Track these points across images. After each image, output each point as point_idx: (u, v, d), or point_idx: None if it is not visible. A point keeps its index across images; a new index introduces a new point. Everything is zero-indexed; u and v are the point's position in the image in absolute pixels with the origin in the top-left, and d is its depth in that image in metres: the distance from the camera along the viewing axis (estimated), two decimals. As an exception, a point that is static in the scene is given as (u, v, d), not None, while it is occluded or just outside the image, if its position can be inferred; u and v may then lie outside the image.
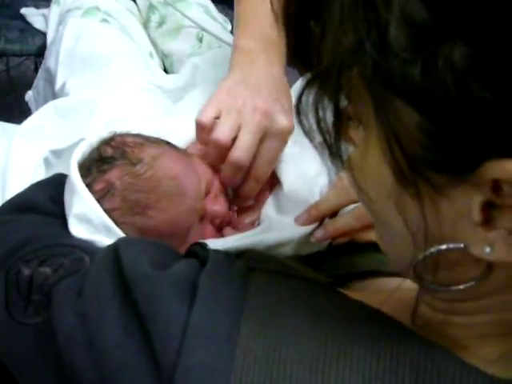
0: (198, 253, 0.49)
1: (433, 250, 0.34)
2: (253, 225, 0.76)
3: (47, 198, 0.66)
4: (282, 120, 0.68)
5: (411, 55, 0.28)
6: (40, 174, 0.84)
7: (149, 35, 1.32)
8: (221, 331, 0.39)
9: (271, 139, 0.69)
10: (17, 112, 1.87)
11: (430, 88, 0.28)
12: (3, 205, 0.67)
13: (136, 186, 0.66)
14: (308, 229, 0.67)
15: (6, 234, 0.59)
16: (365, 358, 0.36)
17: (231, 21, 1.49)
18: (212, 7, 1.38)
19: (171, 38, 1.26)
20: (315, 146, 0.37)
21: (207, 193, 0.72)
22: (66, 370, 0.44)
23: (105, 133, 0.74)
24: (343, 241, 0.67)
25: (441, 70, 0.27)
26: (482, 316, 0.38)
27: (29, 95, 1.24)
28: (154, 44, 1.30)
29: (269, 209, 0.74)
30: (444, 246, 0.34)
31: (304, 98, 0.35)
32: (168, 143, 0.75)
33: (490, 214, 0.31)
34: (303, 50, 0.35)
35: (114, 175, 0.67)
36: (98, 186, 0.66)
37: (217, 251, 0.49)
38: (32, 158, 0.87)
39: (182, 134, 0.82)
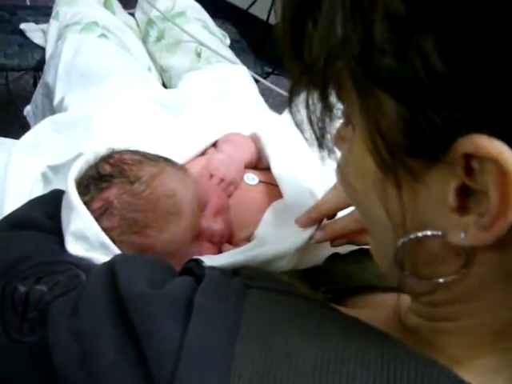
0: (194, 270, 0.48)
1: (412, 236, 0.36)
2: (248, 240, 0.75)
3: (44, 214, 0.66)
4: None
5: (389, 47, 0.30)
6: (38, 189, 0.84)
7: (147, 50, 1.33)
8: (216, 350, 0.39)
9: None
10: (16, 126, 1.88)
11: (404, 75, 0.30)
12: (0, 221, 0.67)
13: (134, 205, 0.66)
14: (304, 240, 0.67)
15: (2, 251, 0.59)
16: (361, 376, 0.36)
17: (230, 35, 1.50)
18: (211, 22, 1.39)
19: (170, 52, 1.27)
20: (305, 139, 0.41)
21: (204, 209, 0.72)
22: None
23: (101, 149, 0.73)
24: (342, 243, 0.67)
25: (412, 56, 0.29)
26: (471, 320, 0.38)
27: (27, 110, 1.24)
28: (152, 59, 1.31)
29: (265, 222, 0.74)
30: (422, 233, 0.35)
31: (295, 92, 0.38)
32: (166, 160, 0.75)
33: (464, 200, 0.32)
34: (297, 47, 0.36)
35: (113, 193, 0.66)
36: (97, 205, 0.66)
37: (212, 268, 0.49)
38: (30, 173, 0.87)
39: (182, 150, 0.82)
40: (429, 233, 0.35)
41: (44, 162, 0.86)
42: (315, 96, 0.36)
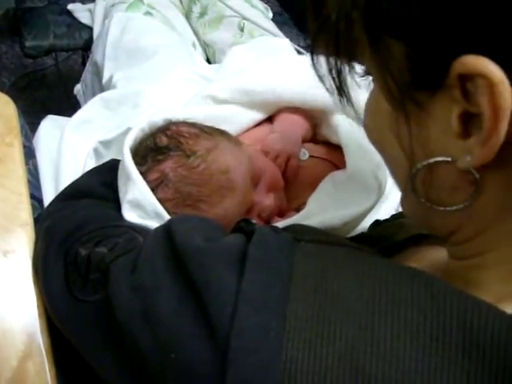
0: (244, 228, 0.50)
1: (424, 162, 0.40)
2: (297, 210, 0.76)
3: (101, 183, 0.68)
4: None
5: None
6: (91, 165, 0.87)
7: (191, 26, 1.34)
8: (271, 296, 0.40)
9: None
10: (66, 105, 1.93)
11: (403, 15, 0.35)
12: (59, 193, 0.70)
13: (189, 179, 0.67)
14: (353, 216, 0.68)
15: (63, 219, 0.62)
16: (412, 315, 0.37)
17: (272, 8, 1.50)
18: (253, -5, 1.39)
19: (213, 28, 1.27)
20: (326, 89, 0.46)
21: (257, 184, 0.73)
22: (126, 341, 0.46)
23: (156, 119, 0.74)
24: None
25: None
26: (495, 253, 0.41)
27: (77, 88, 1.28)
28: (196, 35, 1.32)
29: (317, 195, 0.75)
30: (433, 159, 0.39)
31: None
32: (222, 133, 0.75)
33: (467, 125, 0.36)
34: (317, 7, 0.42)
35: (168, 166, 0.68)
36: (153, 176, 0.68)
37: (262, 225, 0.50)
38: (83, 150, 0.90)
39: (235, 122, 0.82)
40: (439, 159, 0.39)
41: (95, 138, 0.89)
42: (333, 50, 0.42)
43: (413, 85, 0.37)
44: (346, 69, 0.43)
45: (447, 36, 0.34)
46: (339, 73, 0.44)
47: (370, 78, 0.44)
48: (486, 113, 0.34)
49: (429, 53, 0.35)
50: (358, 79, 0.46)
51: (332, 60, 0.43)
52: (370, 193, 0.71)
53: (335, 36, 0.40)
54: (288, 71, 0.84)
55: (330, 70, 0.44)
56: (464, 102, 0.35)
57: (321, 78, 0.45)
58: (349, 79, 0.44)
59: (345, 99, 0.46)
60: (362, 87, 0.46)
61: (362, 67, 0.45)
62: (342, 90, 0.45)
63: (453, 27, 0.33)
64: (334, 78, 0.44)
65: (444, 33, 0.34)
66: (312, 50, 0.44)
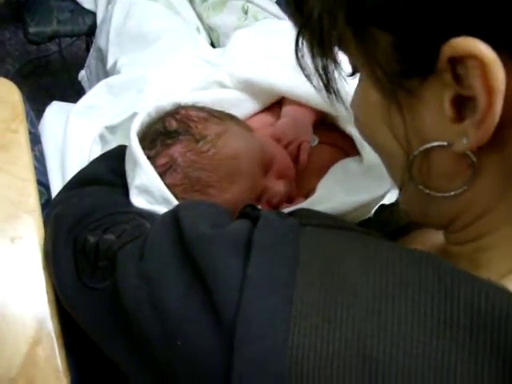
0: (250, 213, 0.50)
1: (421, 148, 0.40)
2: (306, 197, 0.76)
3: (108, 169, 0.68)
4: None
5: None
6: (97, 150, 0.87)
7: (195, 10, 1.33)
8: (277, 281, 0.40)
9: None
10: (70, 91, 1.93)
11: (389, 4, 0.35)
12: (67, 182, 0.70)
13: (198, 164, 0.67)
14: (360, 203, 0.68)
15: (71, 206, 0.62)
16: (419, 297, 0.37)
17: (276, -9, 1.48)
18: (256, -22, 1.37)
19: (216, 11, 1.26)
20: (314, 86, 0.46)
21: (268, 170, 0.73)
22: (134, 329, 0.46)
23: (162, 103, 0.74)
24: None
25: None
26: (497, 233, 0.41)
27: (82, 74, 1.27)
28: (200, 19, 1.31)
29: (326, 181, 0.74)
30: (429, 145, 0.39)
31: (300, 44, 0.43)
32: (232, 118, 0.75)
33: (461, 109, 0.36)
34: (299, 4, 0.41)
35: (178, 150, 0.67)
36: (162, 161, 0.67)
37: (268, 211, 0.50)
38: (88, 135, 0.90)
39: (244, 107, 0.81)
40: (435, 144, 0.39)
41: (101, 124, 0.88)
42: (317, 47, 0.42)
43: (402, 73, 0.37)
44: (333, 65, 0.43)
45: (435, 20, 0.34)
46: (326, 70, 0.43)
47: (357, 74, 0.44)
48: (479, 94, 0.34)
49: (417, 39, 0.35)
50: (346, 76, 0.46)
51: (318, 57, 0.43)
52: (383, 181, 0.70)
53: (319, 33, 0.40)
54: (287, 61, 0.84)
55: (317, 68, 0.44)
56: (456, 85, 0.35)
57: (308, 77, 0.46)
58: (336, 75, 0.44)
59: (333, 95, 0.46)
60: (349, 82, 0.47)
61: (349, 65, 0.45)
62: (329, 86, 0.45)
63: (441, 10, 0.33)
64: (320, 76, 0.44)
65: (432, 17, 0.34)
66: (296, 49, 0.44)
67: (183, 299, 0.43)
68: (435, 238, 0.54)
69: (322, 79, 0.44)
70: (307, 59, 0.44)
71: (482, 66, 0.33)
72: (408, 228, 0.59)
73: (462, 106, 0.36)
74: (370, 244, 0.42)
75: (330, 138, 0.81)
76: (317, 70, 0.44)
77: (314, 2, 0.39)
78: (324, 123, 0.83)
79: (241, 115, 0.79)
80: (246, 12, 1.22)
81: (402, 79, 0.38)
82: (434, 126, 0.39)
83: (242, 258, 0.43)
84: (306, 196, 0.75)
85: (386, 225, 0.61)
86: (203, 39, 1.23)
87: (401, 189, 0.47)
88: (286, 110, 0.82)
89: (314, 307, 0.38)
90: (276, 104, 0.84)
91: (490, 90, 0.33)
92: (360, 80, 0.45)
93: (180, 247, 0.46)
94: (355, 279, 0.39)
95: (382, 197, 0.71)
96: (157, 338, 0.44)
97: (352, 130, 0.77)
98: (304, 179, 0.78)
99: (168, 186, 0.65)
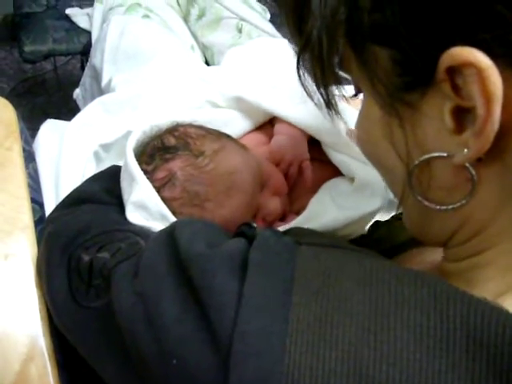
0: (246, 232, 0.50)
1: (421, 158, 0.40)
2: (297, 214, 0.75)
3: (102, 189, 0.68)
4: None
5: (368, 3, 0.36)
6: (91, 168, 0.87)
7: (189, 28, 1.34)
8: (273, 300, 0.40)
9: None
10: (65, 110, 1.94)
11: (386, 21, 0.36)
12: (61, 201, 0.69)
13: (197, 178, 0.67)
14: (353, 219, 0.68)
15: (65, 225, 0.62)
16: (415, 317, 0.37)
17: (269, 10, 1.50)
18: (250, -3, 1.39)
19: (211, 29, 1.28)
20: (315, 103, 0.47)
21: (263, 186, 0.73)
22: (129, 348, 0.46)
23: (157, 121, 0.74)
24: None
25: (387, 3, 0.35)
26: (495, 250, 0.41)
27: (76, 93, 1.28)
28: (194, 37, 1.32)
29: (317, 198, 0.74)
30: (429, 155, 0.40)
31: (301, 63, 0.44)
32: (228, 136, 0.75)
33: (461, 121, 0.37)
34: (298, 24, 0.42)
35: (177, 165, 0.68)
36: (160, 174, 0.68)
37: (263, 229, 0.51)
38: (83, 153, 0.90)
39: (236, 126, 0.81)
40: (435, 154, 0.39)
41: (96, 142, 0.89)
42: (318, 66, 0.42)
43: (403, 87, 0.38)
44: (333, 84, 0.44)
45: (432, 31, 0.35)
46: (326, 88, 0.44)
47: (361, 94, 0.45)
48: (477, 101, 0.34)
49: (415, 51, 0.36)
50: (346, 93, 0.47)
51: (319, 76, 0.43)
52: (374, 198, 0.71)
53: (319, 52, 0.41)
54: (280, 81, 0.84)
55: (318, 86, 0.44)
56: (455, 96, 0.36)
57: (309, 94, 0.46)
58: (337, 92, 0.46)
59: (333, 112, 0.47)
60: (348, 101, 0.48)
61: (352, 87, 0.47)
62: (330, 103, 0.46)
63: (437, 22, 0.34)
64: (321, 94, 0.45)
65: (429, 29, 0.35)
66: (298, 67, 0.45)
67: (179, 317, 0.43)
68: (431, 257, 0.54)
69: (322, 97, 0.45)
70: (308, 77, 0.45)
71: (479, 72, 0.33)
72: (404, 246, 0.59)
73: (462, 117, 0.37)
74: (365, 263, 0.42)
75: (320, 154, 0.81)
76: (318, 88, 0.44)
77: (312, 21, 0.39)
78: (314, 139, 0.83)
79: (233, 134, 0.79)
80: (240, 30, 1.24)
81: (402, 93, 0.39)
82: (435, 138, 0.39)
83: (238, 277, 0.42)
84: (298, 213, 0.75)
85: (381, 242, 0.61)
86: (198, 57, 1.24)
87: (401, 202, 0.47)
88: (280, 127, 0.82)
89: (310, 326, 0.38)
90: (268, 123, 0.84)
91: (487, 97, 0.34)
92: (363, 100, 0.45)
93: (176, 265, 0.46)
94: (351, 298, 0.39)
95: (374, 213, 0.71)
96: (152, 356, 0.44)
97: (338, 157, 0.77)
98: (295, 196, 0.78)
99: (165, 200, 0.65)
